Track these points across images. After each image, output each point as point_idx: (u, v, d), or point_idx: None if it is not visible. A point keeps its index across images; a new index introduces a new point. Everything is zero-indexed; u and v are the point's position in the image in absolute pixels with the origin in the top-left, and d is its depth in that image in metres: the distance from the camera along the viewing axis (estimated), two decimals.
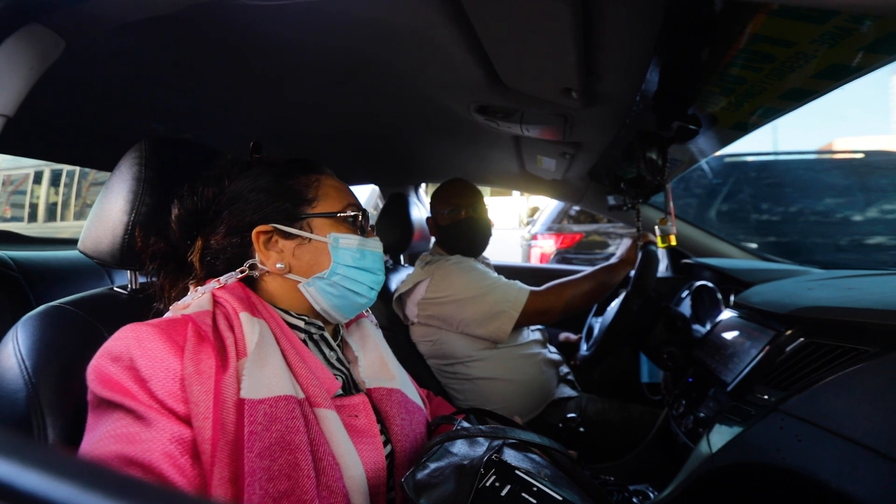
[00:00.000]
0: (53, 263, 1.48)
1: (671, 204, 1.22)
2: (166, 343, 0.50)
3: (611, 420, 1.31)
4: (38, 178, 6.23)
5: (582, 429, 1.24)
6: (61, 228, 5.80)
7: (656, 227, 1.35)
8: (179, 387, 0.49)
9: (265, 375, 0.53)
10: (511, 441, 0.57)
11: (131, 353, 0.49)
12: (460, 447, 0.54)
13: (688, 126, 1.02)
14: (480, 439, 0.56)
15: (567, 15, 0.52)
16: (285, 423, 0.51)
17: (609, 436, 1.29)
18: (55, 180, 6.16)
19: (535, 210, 6.27)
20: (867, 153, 3.44)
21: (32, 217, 6.19)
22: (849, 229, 2.99)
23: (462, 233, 1.42)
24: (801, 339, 0.85)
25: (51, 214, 6.08)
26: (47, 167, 5.99)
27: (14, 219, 6.37)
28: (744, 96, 0.78)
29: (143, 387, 0.48)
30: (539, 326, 1.52)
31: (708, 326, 1.38)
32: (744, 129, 0.94)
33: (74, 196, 6.05)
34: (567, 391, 1.42)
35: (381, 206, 2.26)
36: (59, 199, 6.14)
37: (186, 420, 0.48)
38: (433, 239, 1.58)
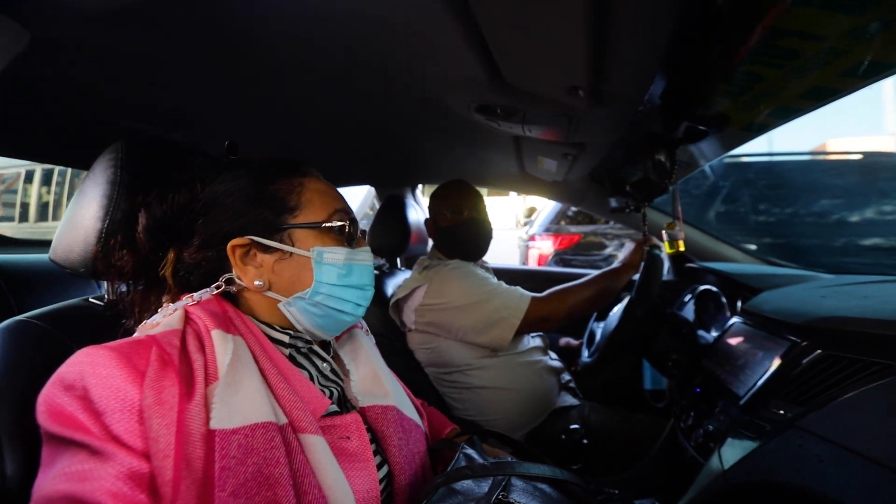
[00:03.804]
0: (38, 267, 1.42)
1: (679, 208, 1.17)
2: (125, 369, 0.45)
3: (614, 430, 1.27)
4: (29, 176, 6.14)
5: (585, 440, 1.20)
6: (53, 228, 5.72)
7: (663, 232, 1.30)
8: (137, 420, 0.43)
9: (239, 401, 0.47)
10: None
11: (85, 381, 0.44)
12: (464, 483, 0.49)
13: (697, 127, 0.98)
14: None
15: (582, 7, 0.48)
16: (263, 454, 0.46)
17: (613, 447, 1.24)
18: (47, 179, 6.08)
19: (532, 210, 6.24)
20: (866, 154, 3.42)
21: (24, 217, 6.10)
22: (853, 232, 2.96)
23: (464, 235, 1.37)
24: (819, 351, 0.81)
25: (42, 214, 6.00)
26: (39, 166, 5.90)
27: (5, 218, 6.29)
28: (760, 95, 0.74)
29: (97, 420, 0.43)
30: (539, 332, 1.48)
31: (713, 333, 1.35)
32: (757, 130, 0.90)
33: (67, 195, 5.97)
34: (569, 399, 1.37)
35: (376, 206, 2.21)
36: (51, 199, 6.06)
37: (146, 456, 0.43)
38: (431, 242, 1.53)
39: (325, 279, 0.59)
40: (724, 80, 0.74)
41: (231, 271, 0.58)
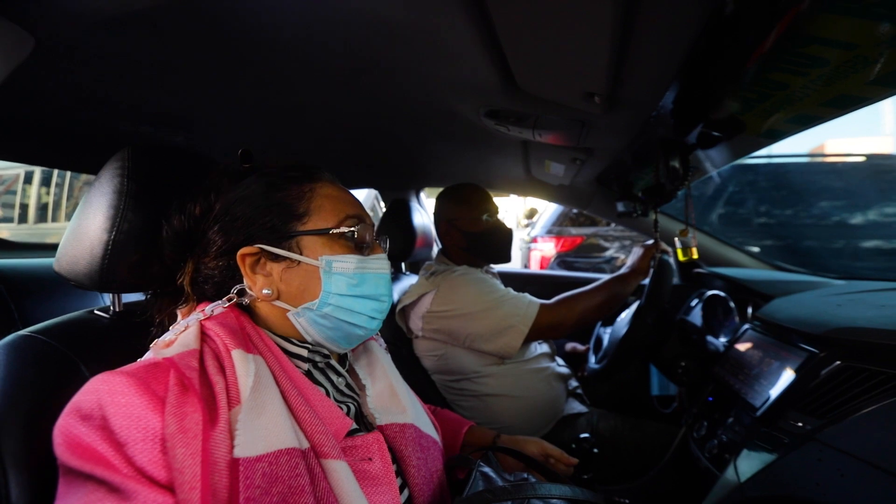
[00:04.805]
0: (40, 273, 1.40)
1: (692, 214, 1.15)
2: (144, 396, 0.43)
3: (624, 438, 1.25)
4: (28, 178, 6.11)
5: (596, 450, 1.18)
6: (52, 230, 5.69)
7: (676, 239, 1.29)
8: (160, 450, 0.42)
9: (262, 426, 0.46)
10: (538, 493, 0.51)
11: (104, 410, 0.42)
12: None
13: (711, 133, 0.96)
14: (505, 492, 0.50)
15: (609, 13, 0.46)
16: (288, 482, 0.44)
17: (623, 455, 1.23)
18: (46, 180, 6.04)
19: (533, 212, 6.22)
20: (870, 156, 3.41)
21: (23, 218, 6.07)
22: (862, 235, 2.95)
23: (498, 238, 1.36)
24: (838, 362, 0.80)
25: (42, 215, 5.96)
26: (38, 167, 5.86)
27: (4, 220, 6.25)
28: (781, 102, 0.72)
29: (118, 452, 0.41)
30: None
31: (722, 339, 1.33)
32: (773, 136, 0.88)
33: (66, 196, 5.94)
34: (577, 406, 1.36)
35: (377, 207, 2.20)
36: (51, 200, 6.02)
37: (171, 488, 0.41)
38: (436, 248, 1.51)
39: (334, 289, 0.56)
40: (743, 86, 0.73)
41: (242, 282, 0.57)
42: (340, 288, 0.57)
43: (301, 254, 0.56)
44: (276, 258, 0.56)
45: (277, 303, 0.57)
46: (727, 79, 0.73)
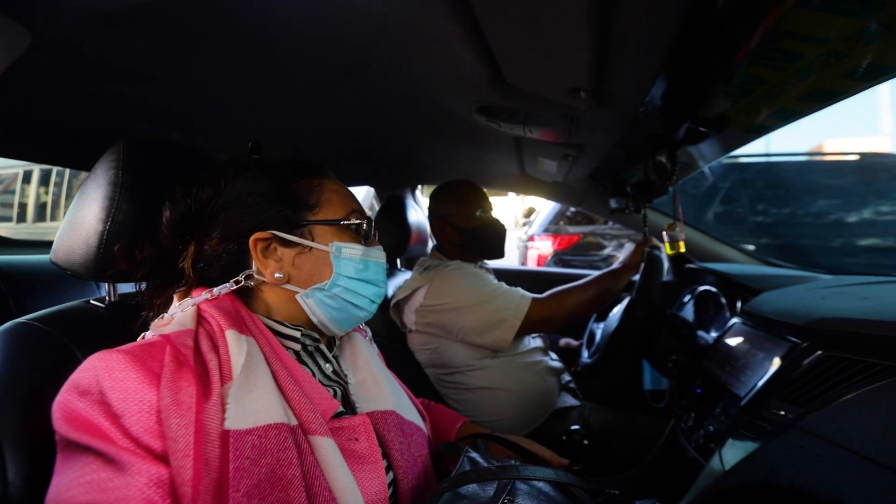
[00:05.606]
0: (37, 268, 1.42)
1: (680, 209, 1.17)
2: (140, 371, 0.45)
3: (615, 431, 1.27)
4: (27, 177, 6.11)
5: (586, 441, 1.20)
6: (51, 229, 5.70)
7: (664, 233, 1.30)
8: (156, 420, 0.44)
9: (252, 401, 0.48)
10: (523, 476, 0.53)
11: (101, 386, 0.44)
12: (469, 487, 0.50)
13: (698, 128, 0.98)
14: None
15: (585, 9, 0.48)
16: (276, 455, 0.46)
17: (614, 447, 1.25)
18: (45, 179, 6.05)
19: (531, 210, 6.23)
20: (863, 155, 3.43)
21: (21, 217, 6.08)
22: (851, 232, 2.97)
23: (490, 234, 1.38)
24: (819, 352, 0.81)
25: (40, 214, 5.97)
26: (37, 166, 5.87)
27: (3, 219, 6.26)
28: (761, 97, 0.74)
29: (115, 423, 0.43)
30: (539, 333, 1.48)
31: (713, 333, 1.35)
32: (758, 131, 0.90)
33: (65, 195, 5.95)
34: (569, 400, 1.38)
35: (375, 206, 2.21)
36: (49, 199, 6.03)
37: (164, 458, 0.43)
38: (430, 243, 1.53)
39: (343, 272, 0.61)
40: (726, 82, 0.75)
41: (249, 266, 0.60)
42: (349, 271, 0.62)
43: (313, 240, 0.61)
44: (288, 244, 0.60)
45: (287, 286, 0.60)
46: (711, 75, 0.75)
